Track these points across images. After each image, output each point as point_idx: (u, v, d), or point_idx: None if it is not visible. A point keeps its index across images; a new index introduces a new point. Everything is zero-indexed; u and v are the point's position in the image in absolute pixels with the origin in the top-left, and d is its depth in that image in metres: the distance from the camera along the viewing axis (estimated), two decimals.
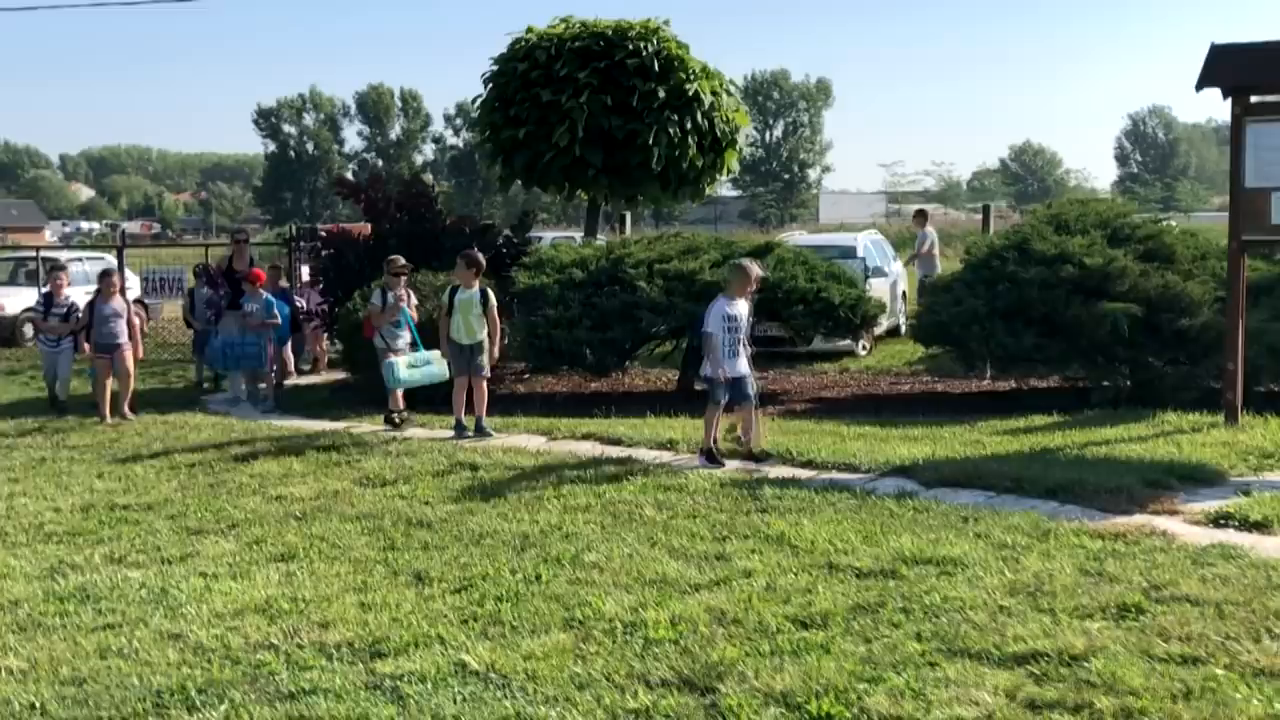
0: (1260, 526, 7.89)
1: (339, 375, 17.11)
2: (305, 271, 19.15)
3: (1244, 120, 11.24)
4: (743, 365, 10.65)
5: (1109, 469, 9.62)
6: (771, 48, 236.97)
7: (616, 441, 11.38)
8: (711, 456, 10.34)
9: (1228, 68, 11.39)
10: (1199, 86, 11.32)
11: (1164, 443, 10.71)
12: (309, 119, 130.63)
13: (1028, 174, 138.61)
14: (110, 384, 13.97)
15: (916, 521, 8.14)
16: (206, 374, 17.01)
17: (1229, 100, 11.35)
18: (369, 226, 17.41)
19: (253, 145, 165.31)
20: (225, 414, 14.15)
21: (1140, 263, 13.20)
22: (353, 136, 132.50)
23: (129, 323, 14.19)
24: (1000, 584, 6.71)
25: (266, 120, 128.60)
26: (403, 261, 13.37)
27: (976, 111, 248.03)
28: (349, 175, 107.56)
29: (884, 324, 19.74)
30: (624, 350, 15.27)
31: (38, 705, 5.51)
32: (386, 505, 9.10)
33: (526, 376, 16.70)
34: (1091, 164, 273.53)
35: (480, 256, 12.55)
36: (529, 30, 17.34)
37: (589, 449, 11.13)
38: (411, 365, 12.68)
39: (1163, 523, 8.01)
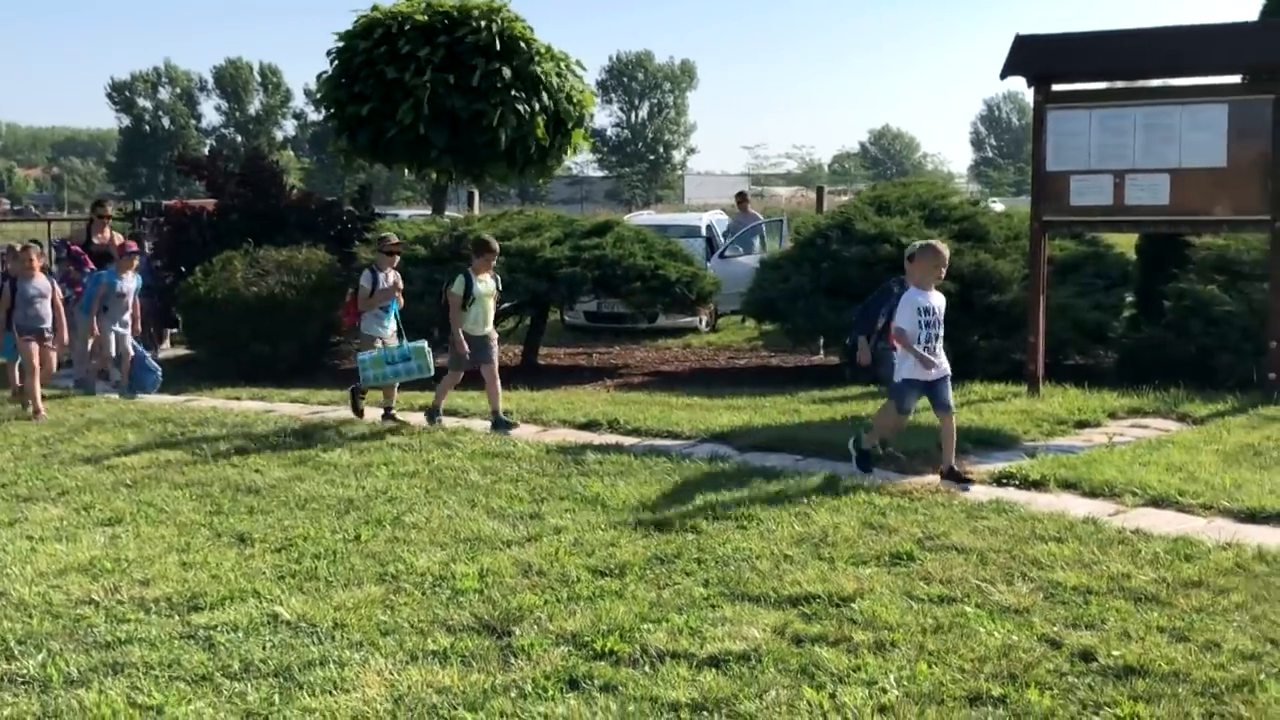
0: (1037, 485, 8.56)
1: (182, 351, 17.12)
2: (149, 246, 19.07)
3: (1045, 107, 11.97)
4: (945, 366, 9.16)
5: (911, 434, 10.22)
6: (635, 29, 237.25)
7: (452, 413, 11.70)
8: (866, 462, 9.01)
9: (1031, 57, 12.10)
10: (1004, 75, 12.01)
11: (967, 410, 11.38)
12: (164, 93, 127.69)
13: (887, 158, 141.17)
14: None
15: (723, 482, 8.63)
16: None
17: (1032, 88, 12.10)
18: (213, 202, 17.44)
19: (106, 120, 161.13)
20: (68, 390, 14.12)
21: (955, 242, 13.89)
22: (210, 111, 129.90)
23: (53, 304, 12.77)
24: (789, 536, 7.24)
25: (120, 94, 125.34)
26: (395, 240, 12.52)
27: (838, 95, 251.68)
28: (206, 151, 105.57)
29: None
30: None
31: None
32: (217, 474, 9.33)
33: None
34: (948, 148, 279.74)
35: (495, 242, 11.58)
36: (375, 8, 17.50)
37: (423, 419, 11.44)
38: (388, 361, 11.47)
39: (950, 482, 8.62)
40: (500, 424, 11.08)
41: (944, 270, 9.13)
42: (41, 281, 12.68)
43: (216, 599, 6.36)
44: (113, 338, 13.58)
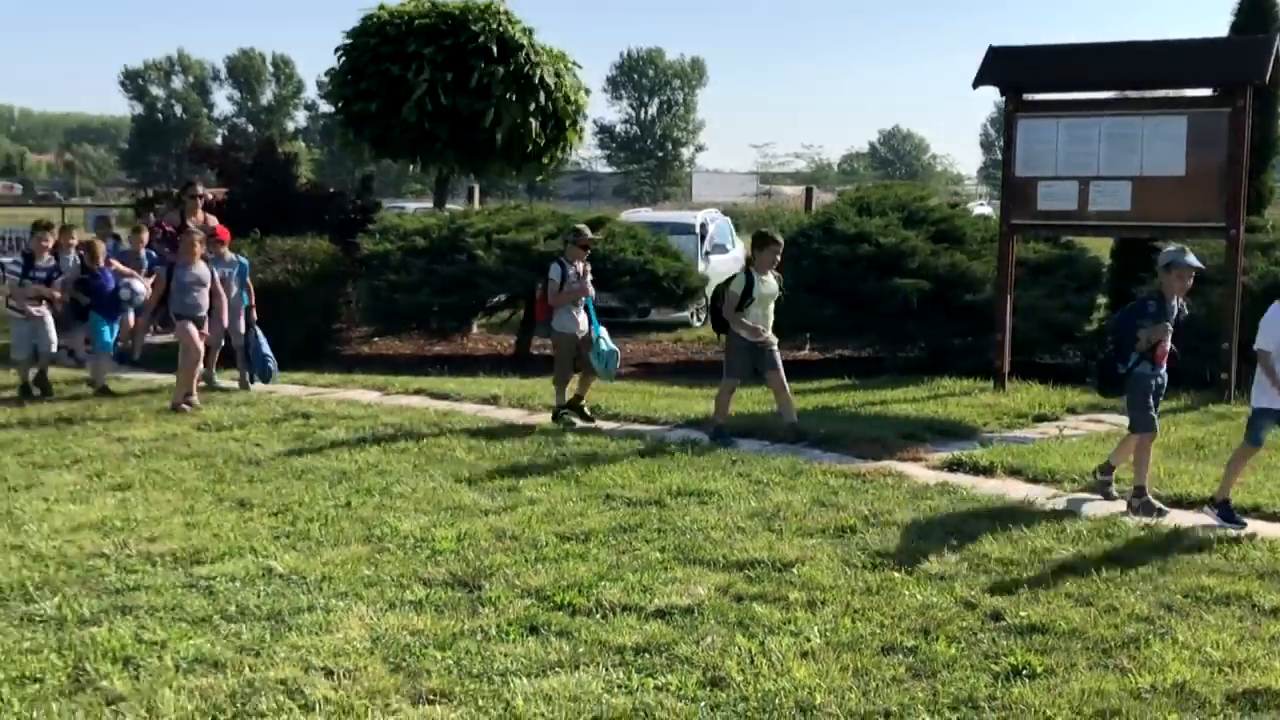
0: (985, 470, 9.17)
1: None
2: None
3: (1015, 116, 12.56)
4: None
5: (875, 424, 10.87)
6: (646, 26, 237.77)
7: (445, 396, 12.32)
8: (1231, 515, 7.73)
9: (1003, 68, 12.72)
10: (976, 84, 12.63)
11: (934, 404, 12.01)
12: (177, 82, 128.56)
13: (896, 158, 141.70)
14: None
15: (692, 464, 9.26)
16: None
17: (1004, 98, 12.69)
18: (223, 191, 18.07)
19: (120, 107, 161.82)
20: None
21: (932, 243, 14.51)
22: (223, 101, 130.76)
23: (213, 292, 12.42)
24: (744, 510, 7.86)
25: (133, 82, 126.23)
26: (591, 234, 11.67)
27: (848, 95, 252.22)
28: (218, 140, 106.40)
29: None
30: (463, 314, 16.22)
31: None
32: (220, 446, 9.95)
33: (375, 341, 17.50)
34: (957, 150, 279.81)
35: (780, 237, 10.87)
36: (381, 7, 18.10)
37: (418, 402, 12.06)
38: (595, 355, 11.02)
39: (903, 467, 9.25)
40: (793, 430, 10.15)
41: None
42: (201, 269, 12.30)
43: (217, 554, 6.99)
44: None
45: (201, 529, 7.55)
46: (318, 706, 4.96)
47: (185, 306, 12.06)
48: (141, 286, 12.96)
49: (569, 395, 11.15)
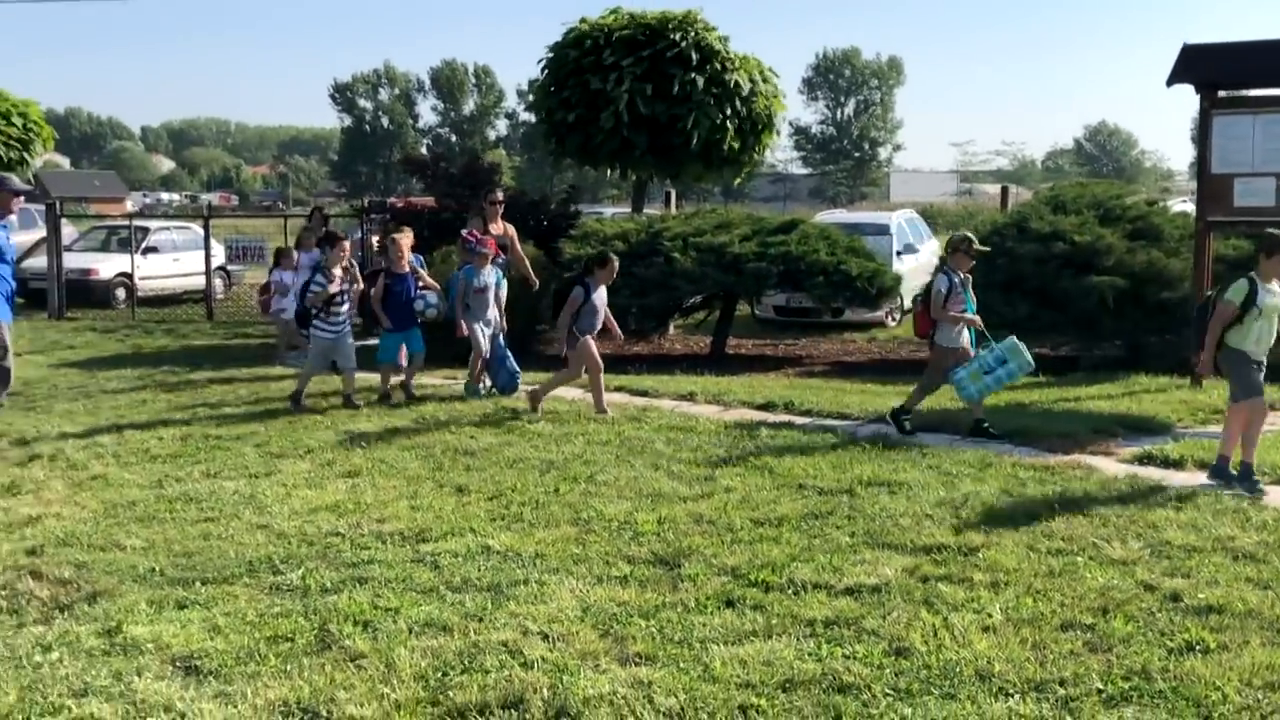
0: (1176, 464, 9.29)
1: None
2: (375, 242, 20.77)
3: (1211, 113, 12.52)
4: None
5: (1067, 419, 11.01)
6: (842, 26, 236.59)
7: (643, 393, 12.87)
8: None
9: (1197, 66, 12.67)
10: (1170, 82, 12.62)
11: (1128, 400, 12.07)
12: (384, 94, 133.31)
13: (1103, 154, 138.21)
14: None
15: (883, 456, 9.59)
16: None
17: (1199, 95, 12.65)
18: (434, 200, 19.00)
19: (329, 119, 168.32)
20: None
21: (1129, 241, 14.48)
22: (427, 111, 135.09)
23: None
24: (932, 499, 8.17)
25: (342, 95, 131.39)
26: (975, 241, 10.97)
27: (1051, 91, 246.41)
28: (423, 150, 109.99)
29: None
30: (661, 316, 16.78)
31: (157, 569, 7.11)
32: (438, 439, 10.65)
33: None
34: (1167, 145, 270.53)
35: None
36: (582, 20, 18.82)
37: (618, 399, 12.62)
38: (985, 370, 10.35)
39: (1093, 460, 9.42)
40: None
41: None
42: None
43: (440, 534, 7.63)
44: (481, 335, 12.74)
45: (425, 511, 8.21)
46: (536, 664, 5.50)
47: (591, 324, 11.84)
48: (437, 299, 12.90)
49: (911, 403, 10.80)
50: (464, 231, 13.62)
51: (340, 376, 12.74)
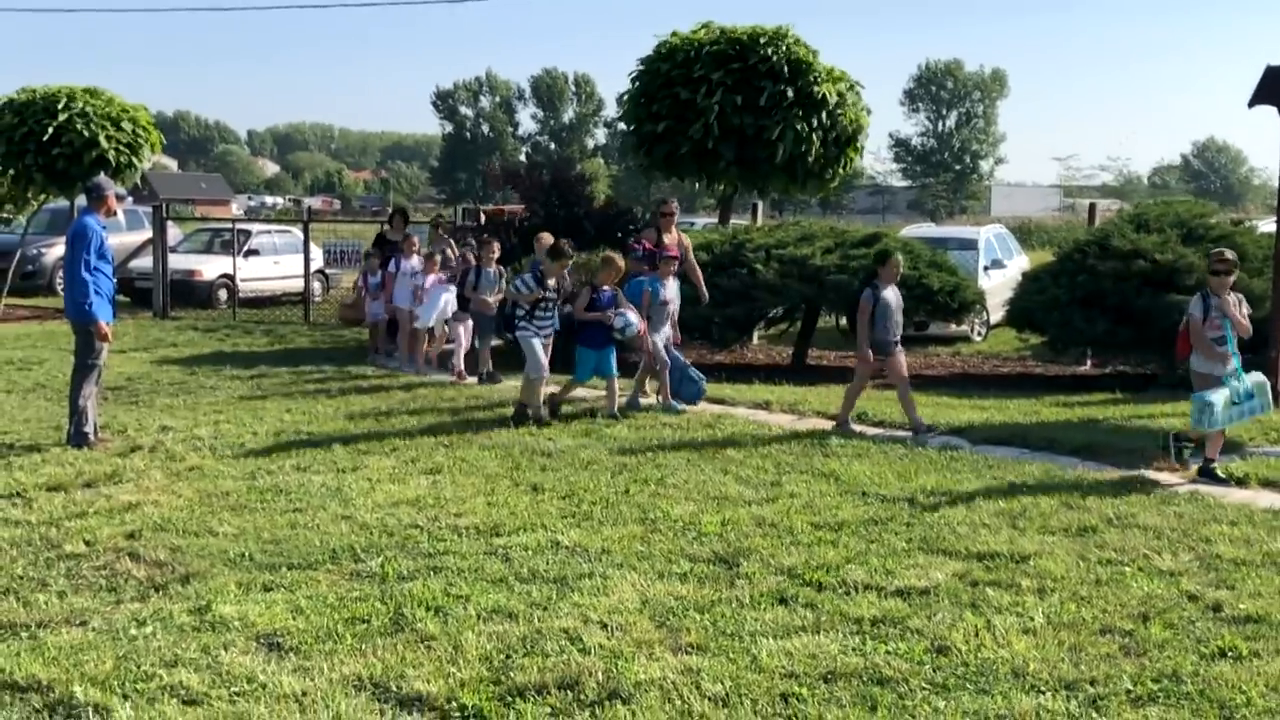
0: (1239, 481, 9.41)
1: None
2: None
3: None
4: None
5: (1137, 436, 11.12)
6: (946, 38, 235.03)
7: (720, 401, 13.16)
8: None
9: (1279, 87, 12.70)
10: (1252, 104, 12.67)
11: None
12: (485, 101, 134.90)
13: (1210, 171, 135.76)
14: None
15: (948, 467, 9.81)
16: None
17: None
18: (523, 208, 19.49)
19: (430, 126, 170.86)
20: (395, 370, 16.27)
21: (1210, 261, 14.47)
22: (527, 120, 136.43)
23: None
24: (991, 509, 8.39)
25: (444, 102, 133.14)
26: (1230, 255, 10.32)
27: (1157, 106, 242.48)
28: (522, 157, 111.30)
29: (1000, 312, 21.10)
30: (743, 326, 17.05)
31: (246, 554, 7.56)
32: (516, 440, 11.04)
33: None
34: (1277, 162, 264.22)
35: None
36: (673, 34, 19.16)
37: (696, 406, 12.90)
38: (1234, 401, 9.72)
39: (1156, 475, 9.56)
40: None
41: None
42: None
43: (513, 529, 8.01)
44: (661, 349, 12.61)
45: (500, 508, 8.59)
46: (593, 651, 5.84)
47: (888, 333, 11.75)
48: (636, 318, 12.24)
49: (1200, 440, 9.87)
50: (633, 241, 13.43)
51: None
